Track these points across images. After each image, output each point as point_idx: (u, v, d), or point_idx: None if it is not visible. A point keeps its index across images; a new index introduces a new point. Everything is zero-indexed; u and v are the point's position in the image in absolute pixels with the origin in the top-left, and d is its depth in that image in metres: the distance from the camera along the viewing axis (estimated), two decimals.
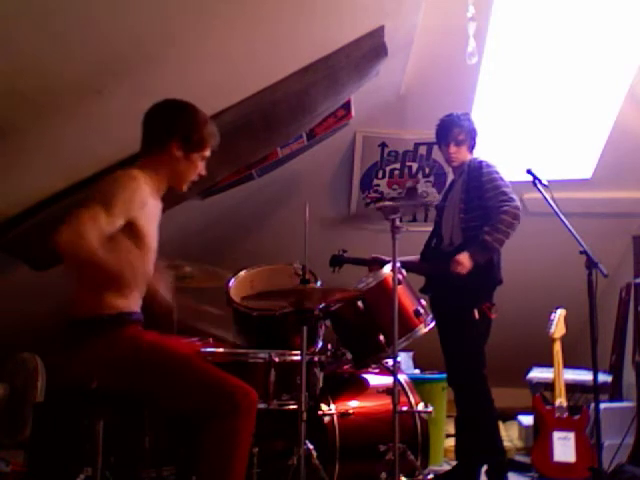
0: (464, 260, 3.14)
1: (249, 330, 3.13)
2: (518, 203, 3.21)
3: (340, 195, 4.67)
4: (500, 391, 3.49)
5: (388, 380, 3.05)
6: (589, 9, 3.81)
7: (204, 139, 2.37)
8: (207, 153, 2.41)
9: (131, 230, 2.22)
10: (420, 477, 2.96)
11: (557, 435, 3.63)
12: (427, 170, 4.58)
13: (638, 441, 3.67)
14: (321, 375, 2.89)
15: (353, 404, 3.12)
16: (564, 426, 3.64)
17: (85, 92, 2.43)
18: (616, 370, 4.43)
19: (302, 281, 2.53)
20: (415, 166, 4.56)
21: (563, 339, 3.84)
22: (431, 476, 3.12)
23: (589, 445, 3.57)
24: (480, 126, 3.50)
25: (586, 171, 4.53)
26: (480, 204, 3.27)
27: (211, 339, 3.12)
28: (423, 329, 3.11)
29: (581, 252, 2.98)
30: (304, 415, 2.50)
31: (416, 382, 3.39)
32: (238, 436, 2.14)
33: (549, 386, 3.93)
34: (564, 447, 3.59)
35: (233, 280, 3.24)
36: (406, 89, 4.18)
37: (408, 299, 3.13)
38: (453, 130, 3.41)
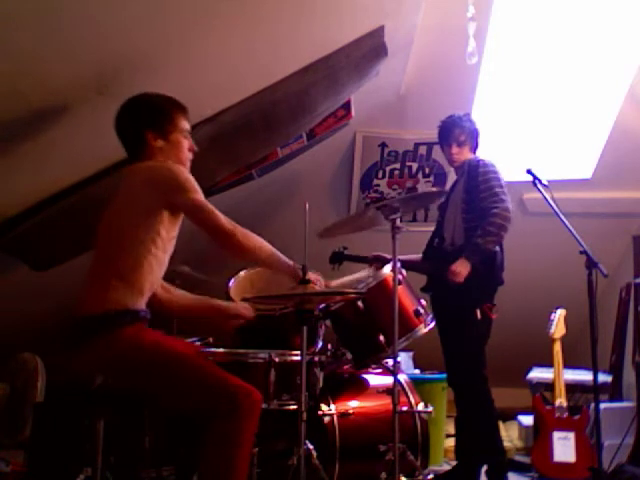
0: (460, 269, 3.16)
1: (249, 330, 3.13)
2: (509, 205, 3.22)
3: (340, 195, 4.67)
4: (500, 391, 3.49)
5: (388, 380, 3.05)
6: (589, 9, 3.82)
7: (170, 115, 2.38)
8: (184, 125, 2.41)
9: (167, 223, 2.26)
10: (420, 477, 2.96)
11: (557, 435, 3.63)
12: (427, 170, 4.58)
13: (638, 441, 3.67)
14: (321, 375, 2.89)
15: (353, 404, 3.12)
16: (564, 426, 3.64)
17: (86, 93, 2.43)
18: (616, 370, 4.43)
19: (302, 281, 2.53)
20: (415, 166, 4.56)
21: (563, 339, 3.84)
22: (431, 476, 3.12)
23: (589, 445, 3.57)
24: (480, 126, 3.51)
25: (586, 171, 4.53)
26: (479, 204, 3.28)
27: (211, 339, 3.12)
28: (423, 329, 3.11)
29: (581, 252, 2.98)
30: (304, 415, 2.49)
31: (416, 382, 3.39)
32: (240, 436, 2.14)
33: (549, 386, 3.93)
34: (564, 447, 3.59)
35: (233, 280, 3.24)
36: (406, 89, 4.18)
37: (408, 299, 3.13)
38: (454, 131, 3.42)
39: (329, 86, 3.33)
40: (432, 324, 3.18)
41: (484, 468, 3.28)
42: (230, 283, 3.23)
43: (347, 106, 3.82)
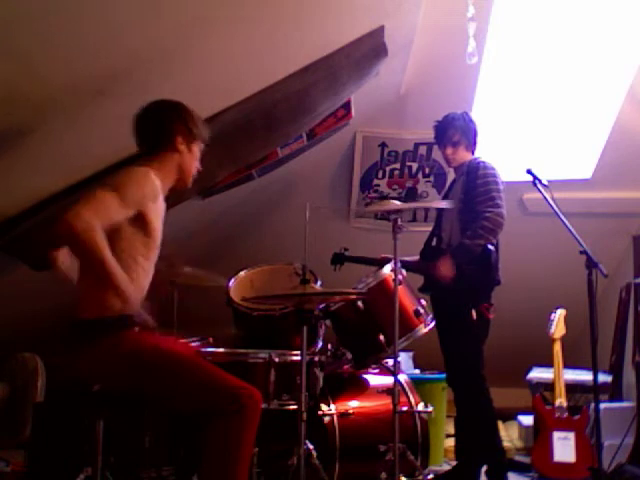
0: (445, 269, 3.18)
1: (249, 330, 3.13)
2: (503, 210, 3.22)
3: (340, 195, 4.67)
4: (500, 391, 3.49)
5: (388, 380, 3.05)
6: (589, 9, 3.81)
7: (200, 129, 2.44)
8: (202, 144, 2.47)
9: (140, 223, 2.23)
10: (420, 477, 2.96)
11: (557, 435, 3.63)
12: (427, 170, 4.58)
13: (638, 441, 3.66)
14: (321, 375, 2.89)
15: (353, 404, 3.12)
16: (564, 426, 3.64)
17: (86, 93, 2.43)
18: (616, 370, 4.43)
19: (302, 281, 2.53)
20: (415, 166, 4.56)
21: (563, 339, 3.84)
22: (431, 476, 3.12)
23: (589, 445, 3.57)
24: (480, 126, 3.50)
25: (586, 171, 4.53)
26: (475, 206, 3.28)
27: (211, 339, 3.12)
28: (423, 329, 3.11)
29: (581, 252, 2.98)
30: (304, 415, 2.50)
31: (416, 382, 3.40)
32: (242, 437, 2.14)
33: (549, 386, 3.92)
34: (564, 447, 3.59)
35: (233, 280, 3.25)
36: (406, 89, 4.18)
37: (408, 299, 3.13)
38: (448, 132, 3.42)
39: (329, 86, 3.33)
40: (432, 324, 3.18)
41: (484, 468, 3.28)
42: (230, 283, 3.23)
43: (347, 106, 3.82)
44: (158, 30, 2.38)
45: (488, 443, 3.27)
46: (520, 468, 3.81)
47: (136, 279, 2.23)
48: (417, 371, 4.29)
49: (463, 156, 3.43)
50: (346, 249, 3.49)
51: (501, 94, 4.27)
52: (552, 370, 3.81)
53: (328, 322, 3.13)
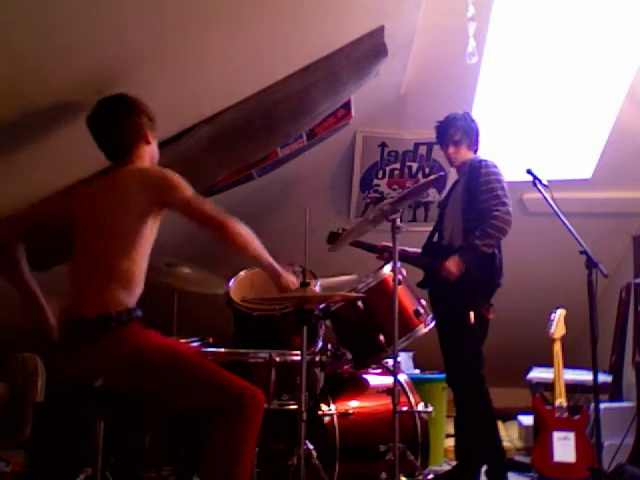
0: (453, 266, 3.18)
1: (249, 330, 3.13)
2: (510, 208, 3.23)
3: (340, 195, 4.67)
4: (500, 391, 3.49)
5: (388, 380, 3.05)
6: (589, 9, 3.81)
7: (153, 115, 2.43)
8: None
9: (156, 222, 2.30)
10: (420, 477, 2.97)
11: (557, 435, 3.63)
12: (427, 170, 4.58)
13: (638, 441, 3.67)
14: (321, 375, 2.89)
15: (353, 404, 3.12)
16: (564, 426, 3.64)
17: (86, 93, 2.43)
18: (616, 370, 4.44)
19: (302, 284, 2.53)
20: (415, 166, 4.56)
21: (563, 339, 3.84)
22: (431, 476, 3.13)
23: (589, 445, 3.57)
24: (480, 126, 3.50)
25: (586, 171, 4.53)
26: (479, 205, 3.28)
27: (211, 339, 3.12)
28: (423, 329, 3.12)
29: (581, 252, 2.98)
30: (304, 415, 2.50)
31: (416, 382, 3.40)
32: (245, 437, 2.14)
33: (549, 386, 3.93)
34: (564, 447, 3.59)
35: (233, 280, 3.24)
36: (406, 89, 4.18)
37: (408, 299, 3.13)
38: (449, 131, 3.44)
39: (329, 86, 3.33)
40: (432, 324, 3.18)
41: (484, 468, 3.28)
42: (230, 283, 3.23)
43: (347, 106, 3.82)
44: (158, 30, 2.38)
45: (488, 443, 3.27)
46: (520, 468, 3.81)
47: (144, 278, 2.27)
48: (417, 371, 4.29)
49: (465, 155, 3.44)
50: (344, 229, 3.47)
51: (501, 94, 4.27)
52: (552, 370, 3.81)
53: (328, 322, 3.14)
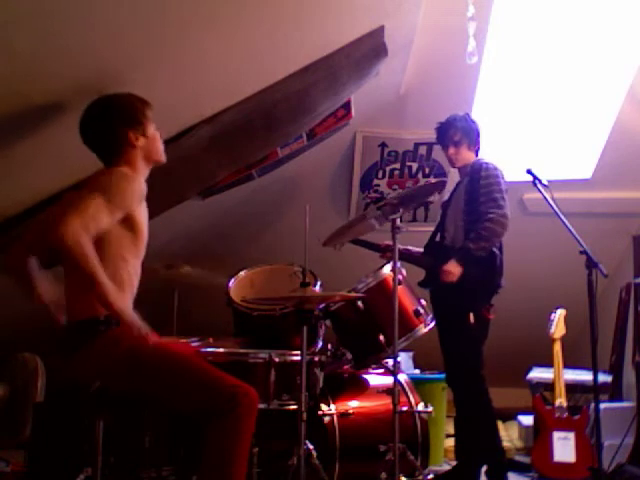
0: (451, 270, 3.18)
1: (249, 330, 3.13)
2: (506, 211, 3.23)
3: (340, 195, 4.67)
4: (500, 391, 3.49)
5: (388, 380, 3.05)
6: (589, 9, 3.81)
7: (141, 109, 2.37)
8: (152, 115, 2.40)
9: (128, 223, 2.22)
10: (420, 477, 2.97)
11: (557, 435, 3.63)
12: (427, 170, 4.58)
13: (638, 441, 3.67)
14: (321, 375, 2.89)
15: (353, 404, 3.12)
16: (564, 426, 3.64)
17: (86, 93, 2.43)
18: (616, 370, 4.43)
19: (302, 284, 2.53)
20: (415, 166, 4.56)
21: (563, 339, 3.84)
22: (431, 476, 3.13)
23: (589, 445, 3.57)
24: (480, 126, 3.51)
25: (586, 171, 4.53)
26: (478, 207, 3.28)
27: (211, 339, 3.12)
28: (423, 329, 3.12)
29: (581, 252, 2.98)
30: (304, 415, 2.50)
31: (416, 382, 3.40)
32: (239, 435, 2.14)
33: (549, 386, 3.93)
34: (564, 447, 3.59)
35: (233, 280, 3.25)
36: (406, 89, 4.18)
37: (408, 299, 3.14)
38: (448, 132, 3.45)
39: (329, 86, 3.33)
40: (432, 324, 3.18)
41: (484, 468, 3.28)
42: (230, 283, 3.23)
43: (347, 106, 3.82)
44: (157, 30, 2.38)
45: (488, 443, 3.27)
46: (520, 468, 3.81)
47: (127, 279, 2.24)
48: (417, 371, 4.29)
49: (466, 156, 3.45)
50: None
51: (501, 94, 4.27)
52: (552, 370, 3.81)
53: (328, 322, 3.14)
